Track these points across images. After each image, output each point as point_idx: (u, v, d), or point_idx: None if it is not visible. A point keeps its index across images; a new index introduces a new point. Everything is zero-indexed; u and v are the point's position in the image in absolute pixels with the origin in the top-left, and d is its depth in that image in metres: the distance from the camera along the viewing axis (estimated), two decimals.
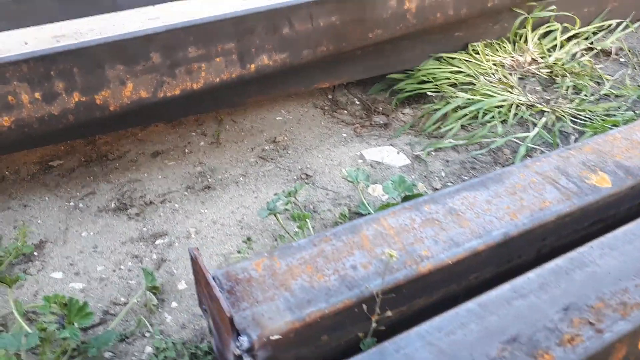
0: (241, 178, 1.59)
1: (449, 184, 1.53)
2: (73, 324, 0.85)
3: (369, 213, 1.26)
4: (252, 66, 1.24)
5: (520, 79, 1.99)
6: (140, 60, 1.08)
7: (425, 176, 1.53)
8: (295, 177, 1.57)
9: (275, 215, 1.18)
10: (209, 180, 1.59)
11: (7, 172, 1.51)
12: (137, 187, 1.55)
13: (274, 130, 1.85)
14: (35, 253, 1.26)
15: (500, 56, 2.04)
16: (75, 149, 1.74)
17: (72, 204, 1.48)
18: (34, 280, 1.17)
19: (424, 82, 1.89)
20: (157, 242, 1.31)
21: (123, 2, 1.32)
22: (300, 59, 1.33)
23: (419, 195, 1.13)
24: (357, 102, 2.03)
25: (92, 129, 1.42)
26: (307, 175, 1.58)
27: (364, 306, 0.78)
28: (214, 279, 0.80)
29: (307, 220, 1.15)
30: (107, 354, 0.98)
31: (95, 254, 1.27)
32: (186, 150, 1.74)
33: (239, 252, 1.21)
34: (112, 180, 1.58)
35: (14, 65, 0.95)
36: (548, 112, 1.78)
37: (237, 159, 1.69)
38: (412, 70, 1.93)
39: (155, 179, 1.59)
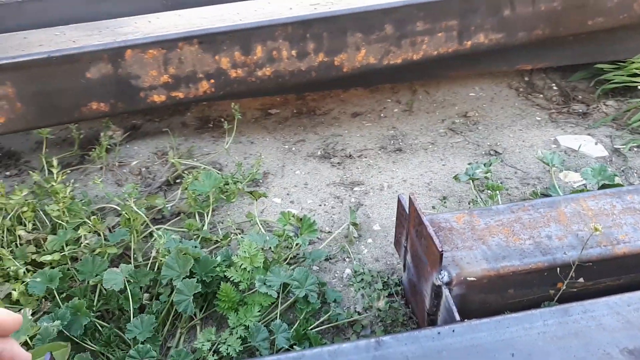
0: (430, 146, 1.71)
1: None
2: (303, 235, 1.08)
3: None
4: (469, 43, 1.35)
5: None
6: (376, 30, 1.26)
7: (623, 170, 1.51)
8: (483, 152, 1.66)
9: (472, 181, 1.30)
10: (400, 144, 1.74)
11: (238, 114, 1.83)
12: (338, 141, 1.77)
13: (466, 105, 1.93)
14: (261, 180, 1.55)
15: None
16: (289, 102, 2.03)
17: (286, 146, 1.75)
18: (260, 201, 1.45)
19: (635, 75, 1.81)
20: (355, 189, 1.51)
21: None
22: (514, 40, 1.40)
23: (619, 185, 1.15)
24: (555, 88, 2.00)
25: (313, 86, 1.65)
26: (496, 152, 1.65)
27: (558, 269, 0.87)
28: None
29: (498, 191, 1.24)
30: (315, 267, 1.21)
31: (306, 190, 1.52)
32: (381, 115, 1.92)
33: (433, 207, 1.36)
34: (318, 132, 1.82)
35: (282, 27, 1.19)
36: None
37: (427, 127, 1.82)
38: (623, 62, 1.85)
39: (354, 136, 1.79)
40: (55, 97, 1.14)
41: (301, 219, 1.11)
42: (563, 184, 1.45)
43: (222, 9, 1.25)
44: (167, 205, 1.35)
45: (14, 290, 1.03)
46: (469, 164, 1.50)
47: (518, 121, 1.79)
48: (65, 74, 1.11)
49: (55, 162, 1.30)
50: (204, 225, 1.28)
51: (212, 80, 1.22)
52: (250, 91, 1.42)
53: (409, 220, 0.99)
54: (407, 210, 0.99)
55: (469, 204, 1.35)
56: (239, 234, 1.29)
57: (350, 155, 1.69)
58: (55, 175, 1.31)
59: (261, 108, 1.98)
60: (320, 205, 1.45)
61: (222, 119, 1.88)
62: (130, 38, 1.12)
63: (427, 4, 1.25)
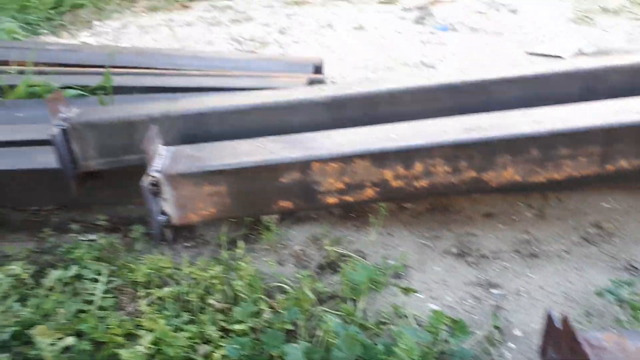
0: (564, 254, 1.79)
1: None
2: (457, 335, 1.22)
3: None
4: (610, 167, 1.46)
5: None
6: (523, 153, 1.42)
7: None
8: (620, 266, 1.70)
9: (616, 301, 1.37)
10: (535, 249, 1.84)
11: (384, 211, 2.04)
12: (473, 240, 1.90)
13: (599, 215, 1.99)
14: (402, 273, 1.72)
15: None
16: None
17: (422, 241, 1.92)
18: (402, 294, 1.62)
19: None
20: (493, 290, 1.63)
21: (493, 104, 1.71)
22: None
23: None
24: None
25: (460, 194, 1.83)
26: (633, 267, 1.69)
27: None
28: None
29: None
30: None
31: (445, 286, 1.66)
32: (513, 218, 2.03)
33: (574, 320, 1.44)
34: (452, 230, 1.97)
35: (439, 148, 1.40)
36: None
37: (560, 235, 1.90)
38: None
39: (487, 237, 1.92)
40: (254, 195, 1.42)
41: (456, 321, 1.26)
42: None
43: (387, 129, 1.49)
44: (325, 289, 1.57)
45: (213, 352, 1.27)
46: (611, 280, 1.56)
47: None
48: (265, 178, 1.40)
49: (242, 245, 1.57)
50: (358, 311, 1.47)
51: (377, 188, 1.45)
52: (406, 197, 1.63)
53: (560, 335, 1.10)
54: (558, 326, 1.10)
55: (612, 322, 1.41)
56: (389, 323, 1.46)
57: (485, 256, 1.81)
58: (237, 253, 1.59)
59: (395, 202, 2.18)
60: (459, 303, 1.58)
61: (364, 210, 2.11)
62: (317, 153, 1.39)
63: (571, 132, 1.40)
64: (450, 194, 1.45)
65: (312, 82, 2.75)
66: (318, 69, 3.12)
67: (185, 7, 5.34)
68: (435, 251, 1.85)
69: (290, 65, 3.04)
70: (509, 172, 1.45)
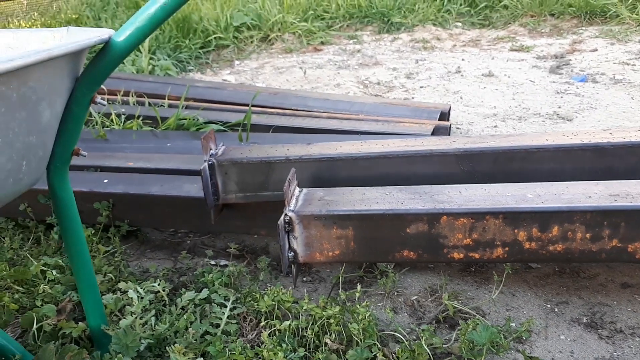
0: None
1: None
2: None
3: None
4: None
5: None
6: None
7: None
8: None
9: None
10: None
11: (509, 270, 1.95)
12: (606, 311, 1.75)
13: None
14: (525, 338, 1.63)
15: None
16: None
17: (549, 305, 1.80)
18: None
19: None
20: None
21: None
22: None
23: None
24: None
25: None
26: None
27: None
28: None
29: None
30: None
31: (572, 359, 1.54)
32: None
33: None
34: (582, 297, 1.83)
35: (581, 213, 1.32)
36: None
37: None
38: None
39: (624, 309, 1.75)
40: (378, 242, 1.45)
41: None
42: None
43: (523, 187, 1.45)
44: (443, 345, 1.53)
45: None
46: None
47: None
48: (391, 226, 1.42)
49: (359, 288, 1.60)
50: None
51: (507, 248, 1.40)
52: (538, 260, 1.56)
53: None
54: None
55: None
56: None
57: (621, 331, 1.65)
58: (354, 295, 1.62)
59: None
60: None
61: (487, 266, 2.03)
62: (447, 207, 1.38)
63: None
64: (588, 262, 1.36)
65: (438, 129, 2.75)
66: (444, 116, 3.12)
67: (317, 50, 5.65)
68: (562, 318, 1.72)
69: (417, 111, 3.07)
70: None
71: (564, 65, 4.55)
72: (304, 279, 2.04)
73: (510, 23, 6.20)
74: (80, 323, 1.57)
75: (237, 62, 5.46)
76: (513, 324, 1.67)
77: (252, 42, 5.95)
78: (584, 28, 5.83)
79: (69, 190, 1.27)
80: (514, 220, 1.36)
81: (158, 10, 1.12)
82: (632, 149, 1.64)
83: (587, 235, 1.35)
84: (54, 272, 1.85)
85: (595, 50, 4.95)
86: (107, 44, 1.13)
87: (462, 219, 1.38)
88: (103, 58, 1.13)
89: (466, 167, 1.72)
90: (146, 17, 1.12)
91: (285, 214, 1.44)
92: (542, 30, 5.89)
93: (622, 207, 1.32)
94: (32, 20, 7.34)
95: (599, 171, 1.65)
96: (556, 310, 1.77)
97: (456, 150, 1.69)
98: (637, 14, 5.63)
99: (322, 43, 5.89)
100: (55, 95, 1.07)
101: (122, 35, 1.13)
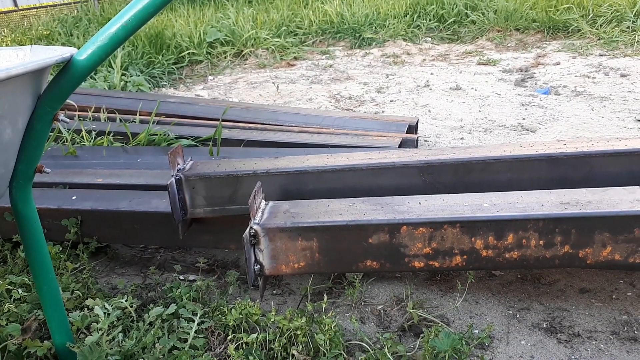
0: None
1: None
2: None
3: None
4: None
5: None
6: (624, 232, 1.37)
7: None
8: None
9: None
10: (635, 332, 1.71)
11: (472, 278, 2.01)
12: (565, 316, 1.81)
13: None
14: (487, 344, 1.67)
15: None
16: None
17: (510, 312, 1.85)
18: None
19: None
20: None
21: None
22: None
23: None
24: None
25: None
26: None
27: None
28: None
29: None
30: None
31: None
32: (612, 296, 1.90)
33: None
34: (543, 303, 1.89)
35: (534, 221, 1.38)
36: None
37: None
38: None
39: (582, 314, 1.81)
40: (342, 253, 1.48)
41: None
42: None
43: (480, 197, 1.50)
44: (407, 353, 1.57)
45: None
46: None
47: None
48: (354, 237, 1.46)
49: (326, 299, 1.63)
50: None
51: (465, 257, 1.45)
52: (495, 267, 1.61)
53: None
54: None
55: None
56: None
57: (578, 334, 1.71)
58: (321, 307, 1.64)
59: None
60: None
61: (451, 274, 2.08)
62: (407, 217, 1.43)
63: None
64: (542, 268, 1.42)
65: (405, 142, 2.82)
66: (412, 129, 3.19)
67: (290, 65, 5.72)
68: (523, 324, 1.78)
69: (385, 124, 3.14)
70: (607, 251, 1.40)
71: (528, 78, 4.70)
72: (274, 291, 2.06)
73: (477, 38, 6.38)
74: (45, 342, 1.57)
75: (210, 77, 5.48)
76: (476, 331, 1.72)
77: (225, 57, 5.98)
78: (547, 42, 6.03)
79: (32, 208, 1.28)
80: (471, 229, 1.42)
81: (119, 29, 1.14)
82: (584, 158, 1.72)
83: (541, 242, 1.41)
84: (20, 290, 1.83)
85: (558, 63, 5.12)
86: (69, 62, 1.15)
87: (421, 229, 1.43)
88: (65, 76, 1.15)
89: (428, 179, 1.78)
90: (108, 36, 1.14)
91: (251, 227, 1.47)
92: (508, 45, 6.08)
93: (572, 214, 1.38)
94: (2, 37, 7.25)
95: (554, 180, 1.72)
96: (518, 316, 1.83)
97: (418, 162, 1.75)
98: (597, 29, 5.85)
99: (295, 58, 5.96)
100: (16, 113, 1.09)
101: (84, 54, 1.15)
